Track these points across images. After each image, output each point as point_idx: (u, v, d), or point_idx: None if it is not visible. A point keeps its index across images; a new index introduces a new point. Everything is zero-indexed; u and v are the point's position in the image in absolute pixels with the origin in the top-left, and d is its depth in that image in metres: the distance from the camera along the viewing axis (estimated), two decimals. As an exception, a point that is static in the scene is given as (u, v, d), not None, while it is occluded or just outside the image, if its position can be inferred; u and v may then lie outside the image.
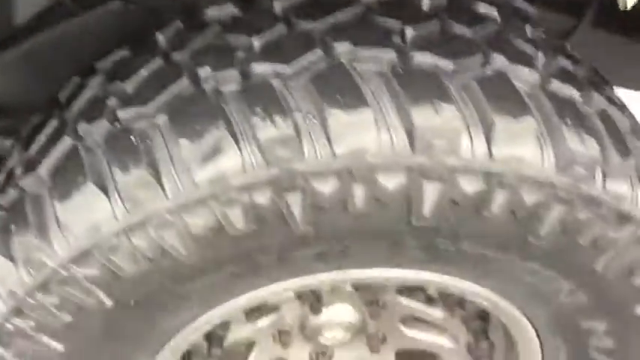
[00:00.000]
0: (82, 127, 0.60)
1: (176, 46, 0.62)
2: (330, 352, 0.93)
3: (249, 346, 0.89)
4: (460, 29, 0.61)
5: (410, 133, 0.54)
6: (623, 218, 0.60)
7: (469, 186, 0.55)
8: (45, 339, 0.62)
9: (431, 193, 0.55)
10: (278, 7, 0.63)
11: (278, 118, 0.54)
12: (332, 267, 0.64)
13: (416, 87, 0.55)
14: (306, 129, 0.53)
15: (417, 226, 0.58)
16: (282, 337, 0.88)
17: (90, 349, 0.65)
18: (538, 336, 0.78)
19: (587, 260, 0.64)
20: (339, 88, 0.55)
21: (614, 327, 0.74)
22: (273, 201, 0.54)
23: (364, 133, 0.54)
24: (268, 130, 0.54)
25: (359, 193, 0.55)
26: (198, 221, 0.55)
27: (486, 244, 0.61)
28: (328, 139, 0.53)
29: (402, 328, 0.89)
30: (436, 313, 0.86)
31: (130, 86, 0.60)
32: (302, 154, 0.54)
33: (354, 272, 0.66)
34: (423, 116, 0.54)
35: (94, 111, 0.61)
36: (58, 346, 0.63)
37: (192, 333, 0.69)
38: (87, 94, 0.64)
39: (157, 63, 0.61)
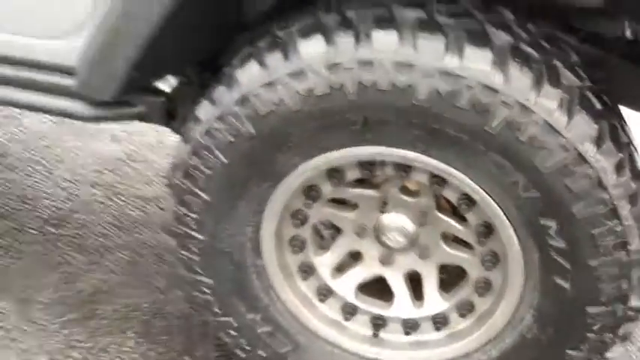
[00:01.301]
0: None
1: None
2: (392, 258, 1.33)
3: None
4: None
5: None
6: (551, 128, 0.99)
7: (448, 85, 1.00)
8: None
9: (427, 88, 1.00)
10: None
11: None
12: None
13: None
14: None
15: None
16: (359, 229, 1.31)
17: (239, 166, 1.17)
18: (518, 237, 1.12)
19: (529, 156, 1.01)
20: None
21: (562, 227, 1.06)
22: None
23: None
24: None
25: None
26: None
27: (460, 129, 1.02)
28: None
29: (442, 244, 1.28)
30: (462, 229, 1.23)
31: None
32: None
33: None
34: None
35: None
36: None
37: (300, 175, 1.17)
38: None
39: None
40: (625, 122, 1.15)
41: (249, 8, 1.34)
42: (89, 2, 1.19)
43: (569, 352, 1.15)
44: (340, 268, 1.32)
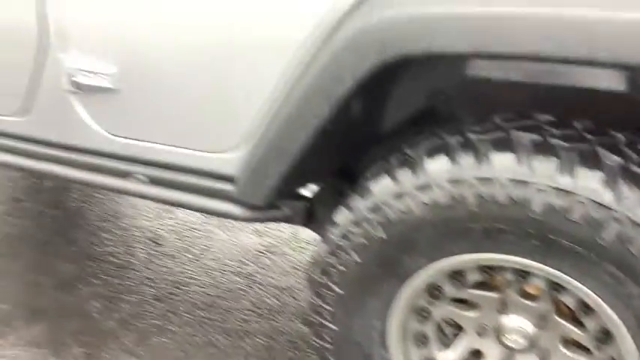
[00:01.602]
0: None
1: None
2: (513, 358, 1.39)
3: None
4: None
5: None
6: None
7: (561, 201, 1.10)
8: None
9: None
10: None
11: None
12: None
13: None
14: None
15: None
16: (480, 329, 1.40)
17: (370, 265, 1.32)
18: (637, 347, 1.15)
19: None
20: None
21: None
22: None
23: None
24: None
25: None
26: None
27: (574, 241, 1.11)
28: None
29: (561, 347, 1.33)
30: (581, 334, 1.28)
31: None
32: None
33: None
34: None
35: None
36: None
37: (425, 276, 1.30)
38: None
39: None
40: None
41: (386, 124, 1.53)
42: (249, 124, 1.43)
43: None
44: (462, 365, 1.40)
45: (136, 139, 1.61)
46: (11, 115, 1.74)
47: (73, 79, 1.59)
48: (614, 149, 1.13)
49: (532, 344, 1.31)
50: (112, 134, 1.63)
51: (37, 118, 1.71)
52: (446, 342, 1.42)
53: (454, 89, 1.48)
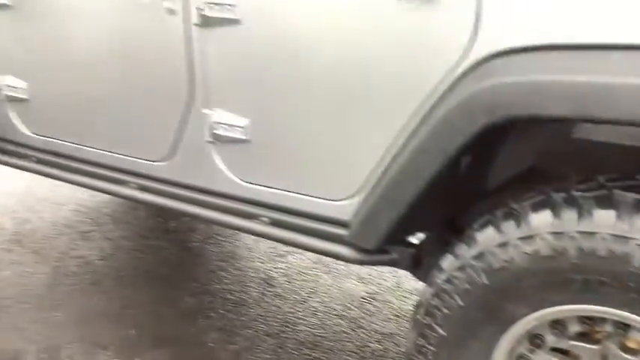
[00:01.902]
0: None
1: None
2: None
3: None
4: None
5: None
6: None
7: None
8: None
9: None
10: None
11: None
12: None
13: None
14: None
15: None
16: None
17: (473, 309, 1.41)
18: None
19: None
20: None
21: None
22: None
23: None
24: None
25: None
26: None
27: None
28: None
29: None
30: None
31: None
32: None
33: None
34: None
35: None
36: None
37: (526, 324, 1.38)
38: None
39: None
40: None
41: (495, 180, 1.64)
42: (368, 175, 1.59)
43: None
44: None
45: (263, 186, 1.81)
46: (157, 160, 2.01)
47: (213, 131, 1.83)
48: None
49: (631, 398, 1.33)
50: (243, 180, 1.85)
51: (179, 163, 1.96)
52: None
53: (561, 150, 1.58)
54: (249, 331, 2.36)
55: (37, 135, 2.32)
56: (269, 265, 2.88)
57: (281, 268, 2.84)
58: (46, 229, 3.21)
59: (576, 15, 1.25)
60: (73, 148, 2.22)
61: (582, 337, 1.38)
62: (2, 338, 2.32)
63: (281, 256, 2.92)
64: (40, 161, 2.33)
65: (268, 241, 2.16)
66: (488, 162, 1.62)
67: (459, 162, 1.48)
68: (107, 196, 3.28)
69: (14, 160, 2.41)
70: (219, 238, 3.14)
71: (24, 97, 2.27)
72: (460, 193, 1.65)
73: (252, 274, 2.80)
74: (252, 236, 2.75)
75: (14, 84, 2.28)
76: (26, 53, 2.21)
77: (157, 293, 2.65)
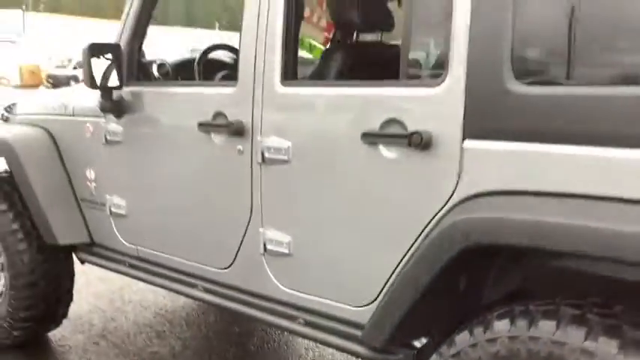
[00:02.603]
0: None
1: None
2: None
3: None
4: None
5: None
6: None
7: None
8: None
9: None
10: None
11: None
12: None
13: None
14: None
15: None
16: None
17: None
18: None
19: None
20: None
21: None
22: None
23: None
24: None
25: None
26: None
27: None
28: None
29: None
30: None
31: None
32: None
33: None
34: None
35: None
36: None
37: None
38: None
39: None
40: None
41: (486, 298, 1.99)
42: (382, 286, 1.99)
43: None
44: None
45: (302, 292, 2.24)
46: (220, 268, 2.49)
47: (266, 246, 2.30)
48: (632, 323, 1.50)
49: None
50: (287, 287, 2.28)
51: (237, 271, 2.43)
52: None
53: (540, 275, 1.92)
54: None
55: (131, 244, 2.89)
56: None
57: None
58: (128, 327, 3.72)
59: (531, 169, 1.65)
60: (157, 255, 2.75)
61: None
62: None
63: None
64: (131, 266, 2.88)
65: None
66: (482, 283, 1.98)
67: (457, 282, 1.86)
68: (183, 300, 3.80)
69: (113, 265, 2.98)
70: (274, 343, 3.53)
71: (123, 213, 2.86)
72: (460, 307, 2.00)
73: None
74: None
75: (118, 202, 2.89)
76: (128, 178, 2.83)
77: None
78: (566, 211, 1.58)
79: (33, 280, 3.17)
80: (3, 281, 3.27)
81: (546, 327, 1.56)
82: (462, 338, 1.71)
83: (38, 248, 3.15)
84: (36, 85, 26.84)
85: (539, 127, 1.64)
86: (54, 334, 3.56)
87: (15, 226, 3.14)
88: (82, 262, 3.20)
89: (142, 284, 3.76)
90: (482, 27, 1.71)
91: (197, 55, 3.06)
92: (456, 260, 1.75)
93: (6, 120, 3.65)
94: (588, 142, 1.56)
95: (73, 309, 3.56)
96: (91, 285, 4.24)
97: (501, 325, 1.64)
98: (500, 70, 1.68)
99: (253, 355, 3.41)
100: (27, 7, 45.28)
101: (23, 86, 27.13)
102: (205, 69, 3.04)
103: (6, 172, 3.26)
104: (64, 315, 3.46)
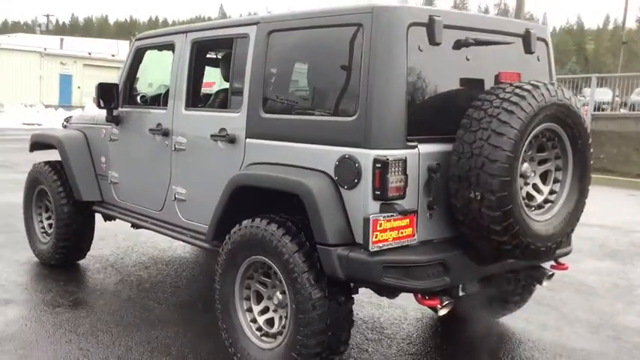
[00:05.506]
0: None
1: None
2: None
3: None
4: None
5: None
6: None
7: None
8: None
9: None
10: None
11: None
12: None
13: None
14: None
15: None
16: None
17: None
18: None
19: None
20: None
21: None
22: None
23: None
24: None
25: None
26: None
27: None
28: None
29: None
30: None
31: None
32: None
33: None
34: None
35: None
36: None
37: None
38: None
39: None
40: None
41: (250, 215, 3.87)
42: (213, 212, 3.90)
43: None
44: None
45: (190, 220, 4.19)
46: (157, 210, 4.49)
47: (175, 196, 4.29)
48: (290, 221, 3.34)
49: None
50: (184, 218, 4.26)
51: (164, 211, 4.41)
52: None
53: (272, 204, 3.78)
54: None
55: (120, 200, 4.93)
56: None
57: None
58: (129, 263, 5.77)
59: (271, 152, 3.57)
60: (131, 205, 4.78)
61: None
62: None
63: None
64: (120, 212, 4.91)
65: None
66: (252, 207, 3.84)
67: (240, 205, 3.76)
68: (178, 252, 5.79)
69: (111, 212, 5.02)
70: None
71: (117, 181, 4.92)
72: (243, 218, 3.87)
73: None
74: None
75: (114, 175, 4.95)
76: (119, 161, 4.89)
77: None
78: (280, 171, 3.44)
79: (69, 222, 5.28)
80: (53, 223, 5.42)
81: (261, 223, 3.41)
82: (237, 228, 3.57)
83: (72, 203, 5.26)
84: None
85: (273, 133, 3.54)
86: (81, 262, 5.67)
87: (60, 189, 5.27)
88: (95, 212, 5.28)
89: (146, 242, 5.91)
90: (253, 90, 3.65)
91: (160, 91, 5.11)
92: (234, 194, 3.61)
93: (65, 127, 5.84)
94: (289, 140, 3.44)
95: (95, 250, 5.67)
96: (110, 239, 6.39)
97: (246, 222, 3.51)
98: (258, 107, 3.60)
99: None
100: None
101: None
102: (157, 99, 5.05)
103: (57, 161, 5.42)
104: (88, 248, 5.56)
